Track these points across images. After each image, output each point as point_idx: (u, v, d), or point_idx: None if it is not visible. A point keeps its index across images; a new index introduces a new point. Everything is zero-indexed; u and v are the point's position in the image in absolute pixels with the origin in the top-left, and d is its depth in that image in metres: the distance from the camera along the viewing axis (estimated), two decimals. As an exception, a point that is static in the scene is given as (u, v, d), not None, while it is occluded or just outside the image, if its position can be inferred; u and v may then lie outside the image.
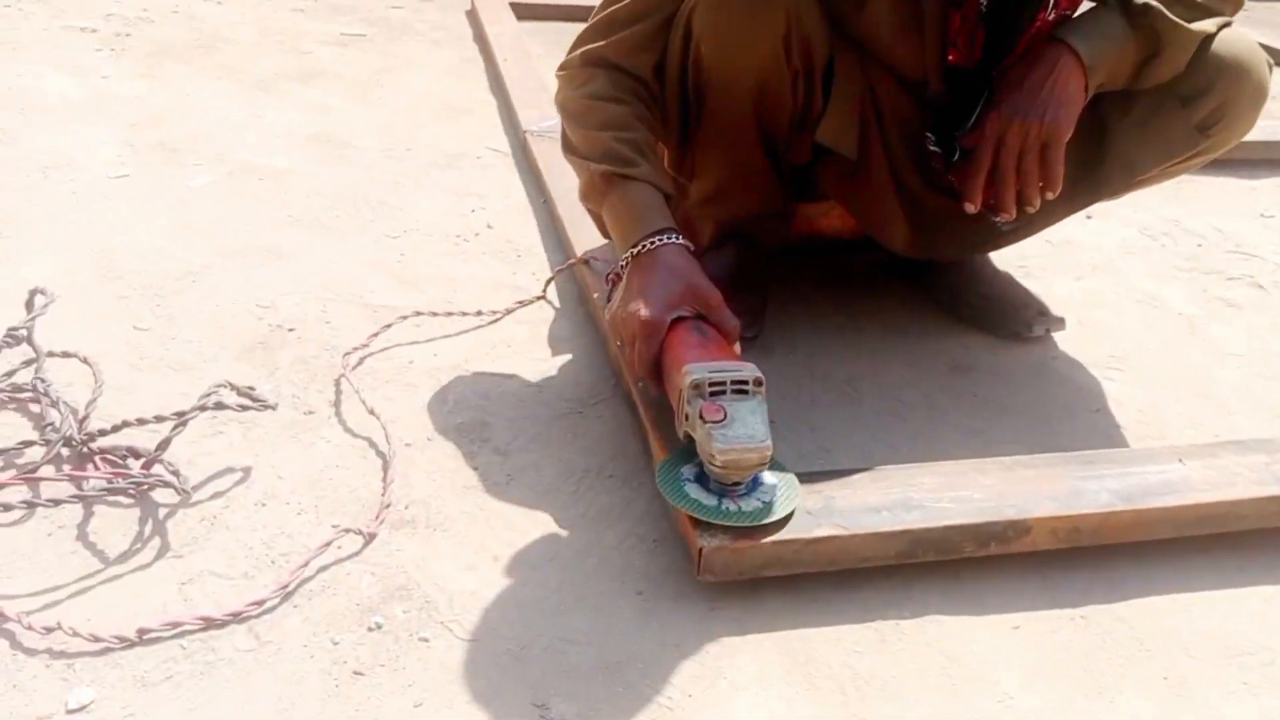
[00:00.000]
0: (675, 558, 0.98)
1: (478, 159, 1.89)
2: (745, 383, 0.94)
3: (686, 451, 0.98)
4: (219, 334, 1.27)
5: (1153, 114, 1.24)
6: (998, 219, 1.23)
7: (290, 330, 1.30)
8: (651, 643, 0.90)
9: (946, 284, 1.48)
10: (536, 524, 1.02)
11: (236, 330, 1.28)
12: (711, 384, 0.93)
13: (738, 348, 1.08)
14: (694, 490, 0.95)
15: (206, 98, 2.00)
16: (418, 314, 1.34)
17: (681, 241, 1.09)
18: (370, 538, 0.97)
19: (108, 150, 1.72)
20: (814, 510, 0.95)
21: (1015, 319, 1.42)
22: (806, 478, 1.00)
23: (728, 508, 0.93)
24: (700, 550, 0.90)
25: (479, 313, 1.37)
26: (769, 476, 0.97)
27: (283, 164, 1.76)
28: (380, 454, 1.09)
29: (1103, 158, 1.28)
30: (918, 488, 1.00)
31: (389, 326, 1.30)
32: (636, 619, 0.92)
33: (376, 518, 0.99)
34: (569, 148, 1.19)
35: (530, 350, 1.31)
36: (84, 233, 1.47)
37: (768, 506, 0.93)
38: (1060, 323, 1.42)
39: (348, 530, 0.96)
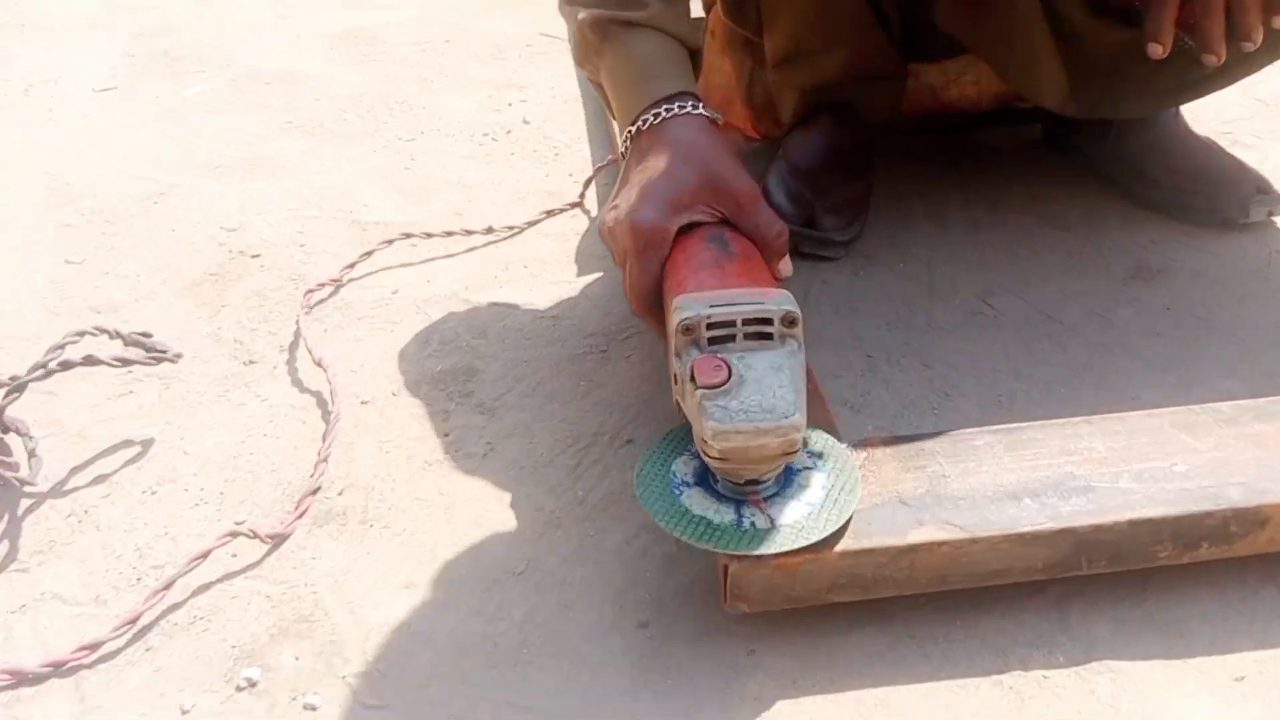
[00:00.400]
0: (702, 569, 0.67)
1: (527, 47, 1.57)
2: (766, 322, 0.59)
3: (683, 435, 0.66)
4: (165, 266, 1.02)
5: None
6: (1199, 58, 0.82)
7: (254, 257, 1.04)
8: (656, 713, 0.59)
9: (1124, 156, 1.07)
10: (512, 517, 0.72)
11: (188, 260, 1.03)
12: (712, 325, 0.59)
13: (785, 266, 0.73)
14: (694, 498, 0.62)
15: (228, 1, 1.76)
16: (407, 236, 1.05)
17: (702, 111, 0.76)
18: (277, 541, 0.70)
19: (103, 63, 1.50)
20: (911, 498, 0.62)
21: (1223, 200, 1.01)
22: (904, 444, 0.66)
23: (748, 523, 0.59)
24: (726, 569, 0.58)
25: (489, 230, 1.07)
26: (812, 463, 0.64)
27: (297, 67, 1.49)
28: (327, 416, 0.82)
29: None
30: (1082, 457, 0.64)
31: (369, 254, 1.02)
32: (635, 672, 0.61)
33: (295, 511, 0.72)
34: None
35: (552, 272, 1.01)
36: (48, 154, 1.24)
37: (811, 518, 0.60)
38: (1289, 203, 1.00)
39: (239, 534, 0.69)
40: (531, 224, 1.08)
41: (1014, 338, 0.89)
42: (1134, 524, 0.60)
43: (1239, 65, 0.93)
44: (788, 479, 0.62)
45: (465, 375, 0.86)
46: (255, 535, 0.68)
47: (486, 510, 0.72)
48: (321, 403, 0.84)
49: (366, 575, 0.68)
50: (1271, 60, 0.93)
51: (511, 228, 1.07)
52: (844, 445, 0.65)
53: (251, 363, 0.89)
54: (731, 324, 0.59)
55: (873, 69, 1.02)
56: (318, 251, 1.04)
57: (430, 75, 1.46)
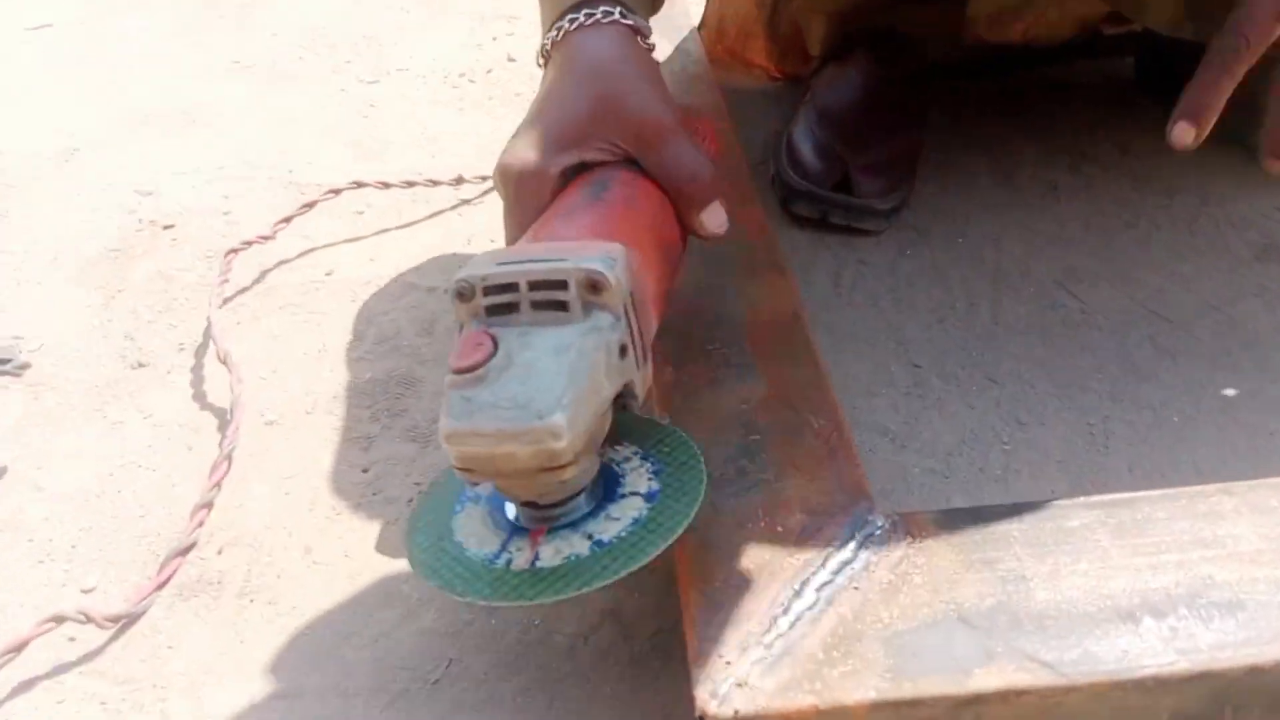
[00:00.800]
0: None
1: (524, -29, 1.36)
2: (558, 285, 0.42)
3: None
4: (61, 241, 0.85)
5: None
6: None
7: (166, 229, 0.86)
8: None
9: (1244, 100, 0.85)
10: (435, 594, 0.54)
11: (89, 233, 0.86)
12: (490, 289, 0.42)
13: (712, 218, 0.54)
14: (469, 517, 0.45)
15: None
16: (358, 184, 0.86)
17: (621, 19, 0.56)
18: (126, 623, 0.53)
19: (40, -6, 1.32)
20: (976, 615, 0.43)
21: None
22: (965, 524, 0.47)
23: (503, 561, 0.43)
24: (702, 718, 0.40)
25: (459, 180, 0.88)
26: (635, 472, 0.46)
27: (257, -5, 1.30)
28: (223, 440, 0.64)
29: None
30: (1224, 551, 0.45)
31: (287, 220, 0.83)
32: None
33: (154, 580, 0.54)
34: None
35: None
36: (-44, 102, 1.07)
37: (591, 558, 0.42)
38: None
39: (66, 619, 0.52)
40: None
41: (1107, 342, 0.69)
42: (1306, 660, 0.41)
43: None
44: (609, 495, 0.45)
45: (401, 386, 0.68)
46: (89, 620, 0.51)
47: (401, 585, 0.55)
48: (218, 421, 0.66)
49: (234, 676, 0.50)
50: None
51: (484, 178, 0.88)
52: (692, 442, 0.47)
53: (141, 365, 0.71)
54: (514, 287, 0.42)
55: (923, -8, 0.81)
56: (243, 220, 0.86)
57: (409, 5, 1.27)
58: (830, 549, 0.46)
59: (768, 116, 0.93)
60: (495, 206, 0.84)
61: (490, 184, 0.88)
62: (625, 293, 0.43)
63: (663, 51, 1.00)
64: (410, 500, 0.59)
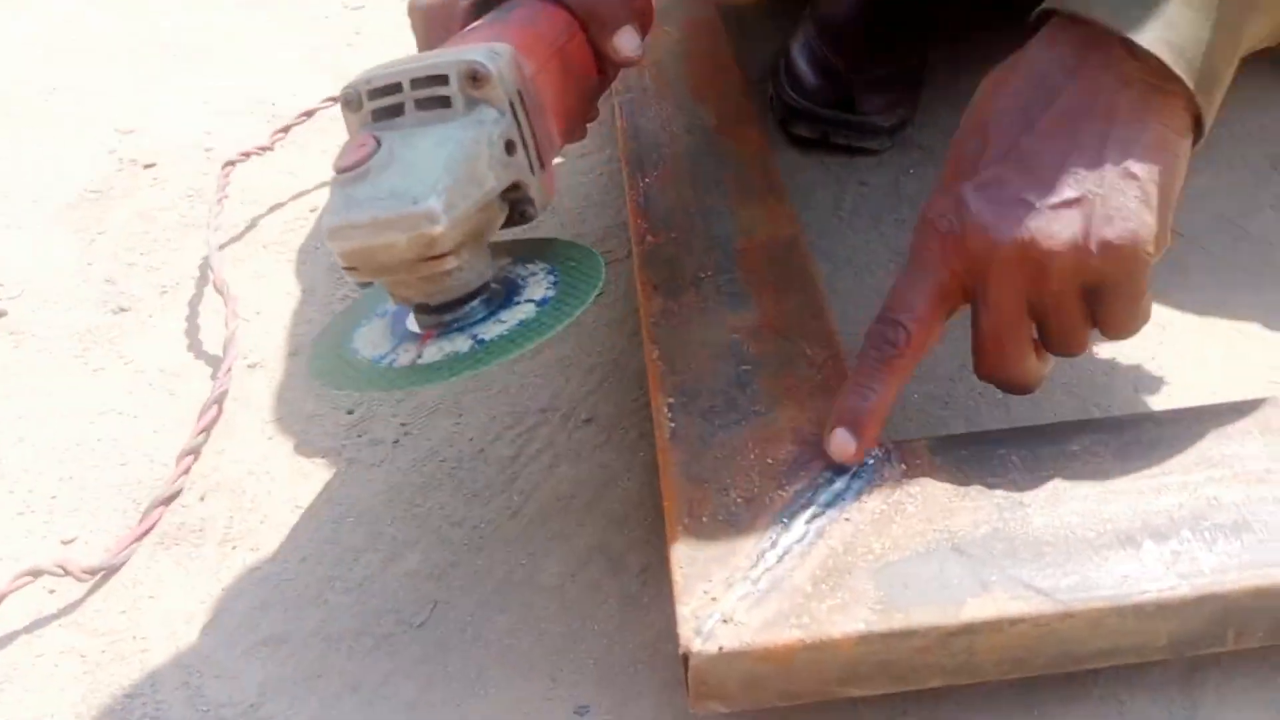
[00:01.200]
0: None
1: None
2: (439, 80, 0.42)
3: None
4: (40, 183, 0.83)
5: None
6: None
7: (147, 168, 0.84)
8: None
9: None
10: (418, 536, 0.53)
11: (70, 174, 0.83)
12: (375, 93, 0.42)
13: (624, 40, 0.51)
14: (374, 329, 0.46)
15: None
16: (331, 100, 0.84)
17: None
18: (105, 575, 0.52)
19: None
20: (970, 543, 0.41)
21: None
22: (959, 448, 0.45)
23: (388, 360, 0.43)
24: (685, 660, 0.39)
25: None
26: (535, 283, 0.46)
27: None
28: (208, 383, 0.63)
29: None
30: (1231, 471, 0.43)
31: (285, 130, 0.81)
32: (568, 777, 0.43)
33: (134, 531, 0.54)
34: None
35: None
36: (-68, 44, 1.05)
37: (469, 353, 0.42)
38: None
39: (43, 572, 0.51)
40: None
41: (1115, 259, 0.66)
42: (1318, 583, 0.39)
43: None
44: (505, 304, 0.45)
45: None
46: (67, 572, 0.51)
47: (385, 527, 0.53)
48: (202, 366, 0.65)
49: (216, 624, 0.50)
50: None
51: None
52: (598, 257, 0.47)
53: (122, 310, 0.70)
54: (397, 88, 0.42)
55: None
56: (224, 157, 0.83)
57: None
58: (821, 480, 0.44)
59: (767, 33, 0.89)
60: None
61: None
62: (511, 87, 0.43)
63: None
64: (396, 441, 0.58)
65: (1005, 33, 0.88)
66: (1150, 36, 0.40)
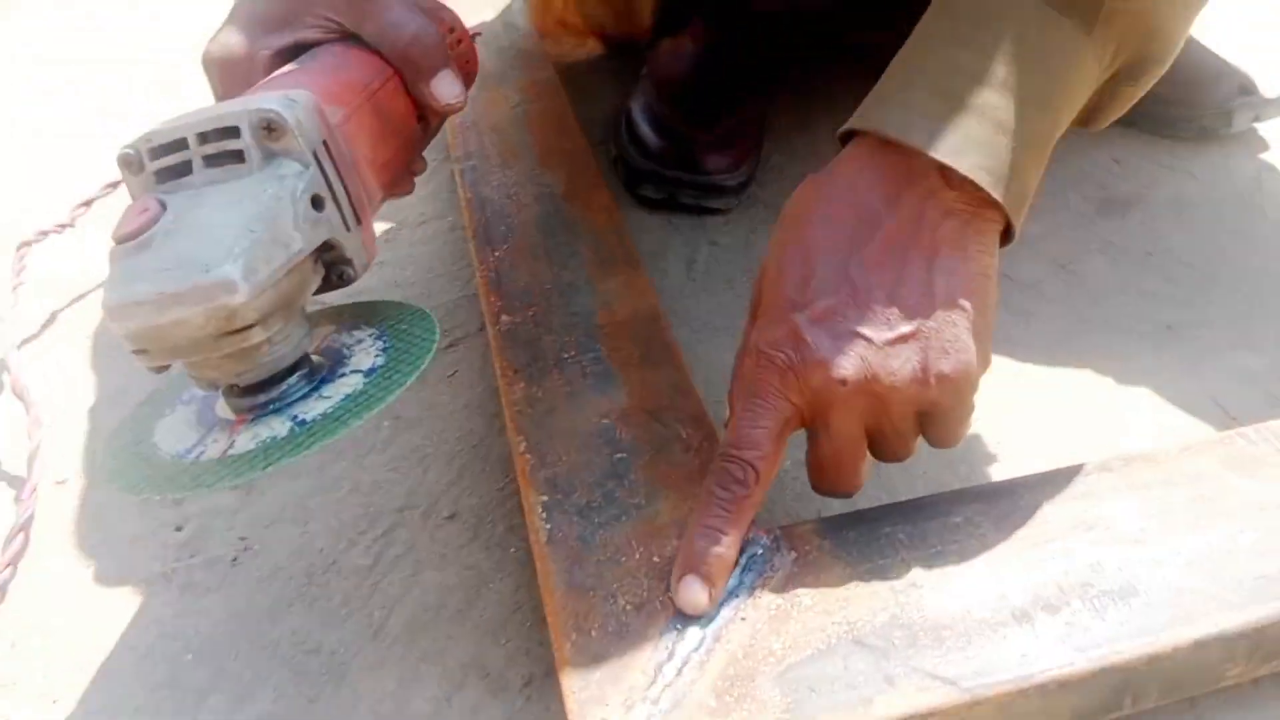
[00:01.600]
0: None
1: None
2: (230, 134, 0.38)
3: None
4: None
5: None
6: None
7: (-78, 258, 0.74)
8: None
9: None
10: (259, 674, 0.48)
11: None
12: (157, 150, 0.38)
13: (443, 86, 0.49)
14: (179, 417, 0.41)
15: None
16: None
17: None
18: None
19: None
20: (871, 634, 0.40)
21: (1202, 105, 0.80)
22: (848, 529, 0.44)
23: (195, 454, 0.38)
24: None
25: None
26: (363, 351, 0.42)
27: None
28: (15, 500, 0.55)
29: None
30: (1108, 533, 0.43)
31: (87, 204, 0.73)
32: None
33: (-77, 691, 0.46)
34: None
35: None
36: None
37: (288, 439, 0.38)
38: (1276, 106, 0.80)
39: None
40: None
41: (963, 310, 0.67)
42: (1200, 644, 0.39)
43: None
44: (329, 377, 0.41)
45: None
46: None
47: (230, 663, 0.48)
48: (2, 485, 0.57)
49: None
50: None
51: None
52: (431, 316, 0.44)
53: (-103, 427, 0.61)
54: (182, 145, 0.38)
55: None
56: (18, 237, 0.75)
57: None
58: (711, 577, 0.42)
59: (605, 92, 0.88)
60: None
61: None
62: (313, 137, 0.40)
63: (486, 22, 0.93)
64: (235, 559, 0.52)
65: (843, 84, 0.90)
66: (968, 163, 0.41)
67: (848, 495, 0.45)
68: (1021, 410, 0.59)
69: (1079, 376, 0.62)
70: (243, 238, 0.36)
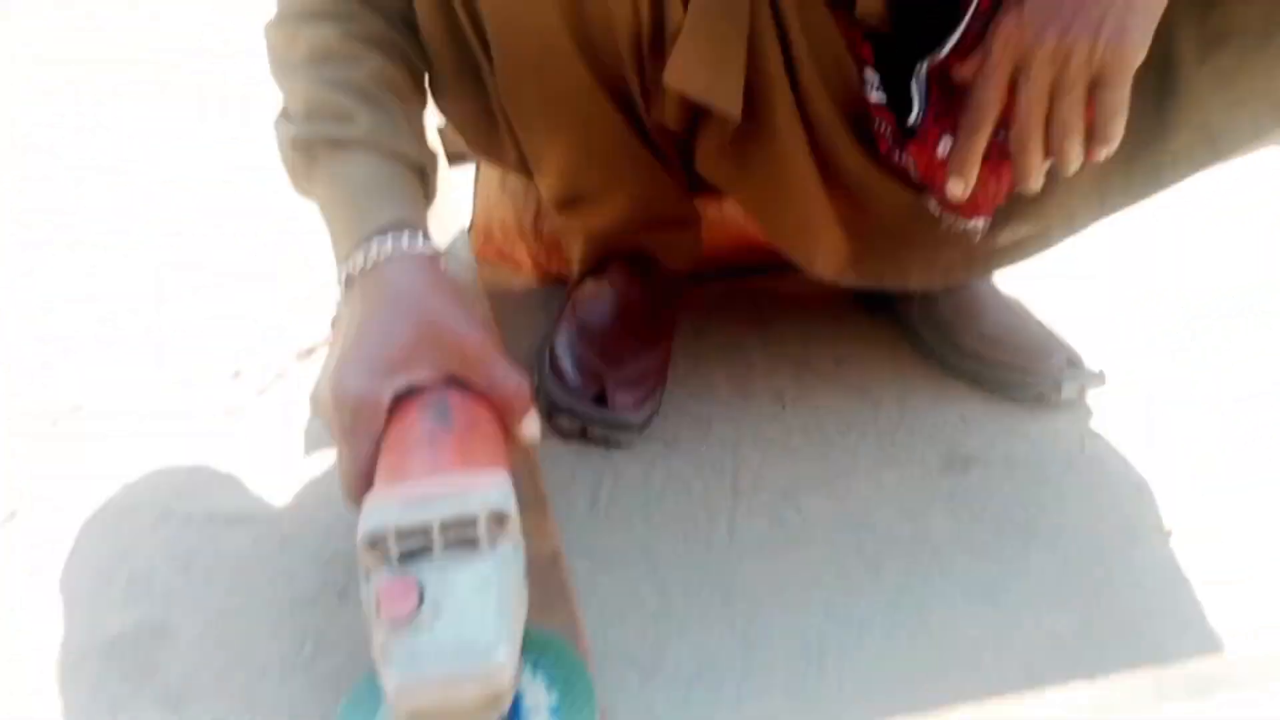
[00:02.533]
0: None
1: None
2: (469, 523, 0.47)
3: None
4: None
5: (1245, 61, 0.75)
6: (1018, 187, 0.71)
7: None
8: None
9: (935, 319, 1.00)
10: None
11: None
12: (403, 535, 0.47)
13: (529, 427, 0.61)
14: None
15: None
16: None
17: (420, 246, 0.63)
18: None
19: None
20: None
21: (1036, 374, 0.94)
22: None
23: None
24: None
25: (237, 374, 0.88)
26: (535, 694, 0.53)
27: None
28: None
29: (1172, 119, 0.78)
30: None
31: None
32: None
33: None
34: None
35: (277, 440, 0.83)
36: None
37: None
38: (1100, 378, 0.95)
39: None
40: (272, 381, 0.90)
41: (824, 556, 0.78)
42: None
43: (1046, 227, 0.88)
44: (515, 712, 0.51)
45: (154, 638, 0.67)
46: None
47: None
48: (-54, 690, 0.63)
49: None
50: (1095, 217, 0.86)
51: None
52: (580, 661, 0.54)
53: None
54: (426, 531, 0.47)
55: (661, 212, 0.90)
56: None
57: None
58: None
59: (535, 322, 0.99)
60: (271, 409, 0.86)
61: (266, 387, 0.89)
62: (519, 521, 0.49)
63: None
64: (164, 775, 0.59)
65: (732, 329, 1.03)
66: None
67: (1026, 185, 0.68)
68: (860, 661, 0.69)
69: (914, 626, 0.72)
70: (502, 625, 0.45)
